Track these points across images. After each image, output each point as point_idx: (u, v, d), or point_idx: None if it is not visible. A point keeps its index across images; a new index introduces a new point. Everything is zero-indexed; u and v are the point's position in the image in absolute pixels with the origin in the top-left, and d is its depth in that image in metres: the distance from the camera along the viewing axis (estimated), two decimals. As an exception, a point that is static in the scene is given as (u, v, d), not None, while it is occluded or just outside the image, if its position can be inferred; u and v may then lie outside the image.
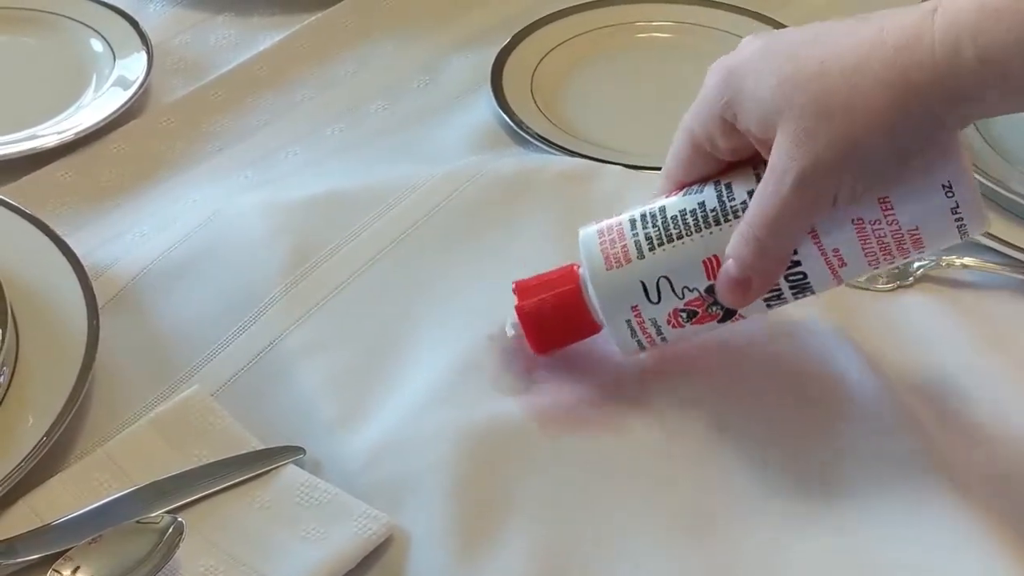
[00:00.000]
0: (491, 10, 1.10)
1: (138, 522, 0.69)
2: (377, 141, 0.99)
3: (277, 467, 0.73)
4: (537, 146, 0.96)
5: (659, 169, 0.90)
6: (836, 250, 0.70)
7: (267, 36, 1.09)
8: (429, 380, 0.78)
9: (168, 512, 0.70)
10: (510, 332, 0.77)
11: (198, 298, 0.84)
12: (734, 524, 0.71)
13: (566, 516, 0.71)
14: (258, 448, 0.74)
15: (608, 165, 0.92)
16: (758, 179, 0.70)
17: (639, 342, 0.74)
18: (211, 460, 0.74)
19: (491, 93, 1.00)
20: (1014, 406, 0.77)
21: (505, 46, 1.04)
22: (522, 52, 1.04)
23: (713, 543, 0.70)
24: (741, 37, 1.02)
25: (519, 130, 0.97)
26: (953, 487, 0.70)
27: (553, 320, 0.76)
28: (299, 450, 0.74)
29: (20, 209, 0.87)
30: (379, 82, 1.04)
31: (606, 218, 0.75)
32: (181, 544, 0.68)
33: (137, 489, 0.72)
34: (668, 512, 0.71)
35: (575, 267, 0.76)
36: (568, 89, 1.02)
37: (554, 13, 1.07)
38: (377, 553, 0.70)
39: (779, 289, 0.72)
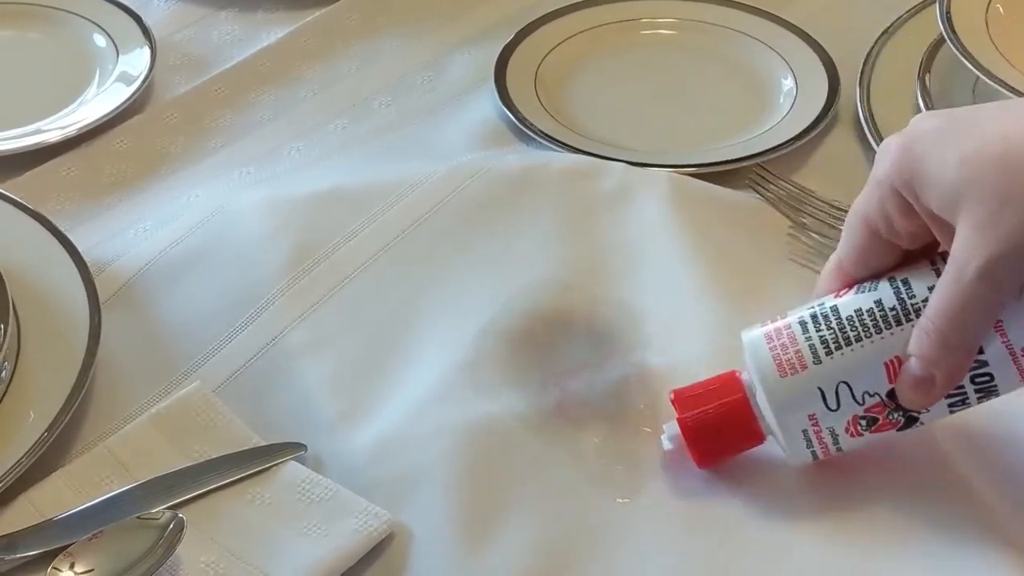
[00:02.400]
0: (495, 6, 1.10)
1: (139, 518, 0.69)
2: (380, 137, 0.99)
3: (278, 464, 0.73)
4: (540, 143, 0.96)
5: (664, 167, 0.91)
6: None
7: (270, 32, 1.09)
8: (431, 377, 0.78)
9: (169, 508, 0.70)
10: (667, 446, 0.72)
11: (200, 294, 0.84)
12: (738, 522, 0.70)
13: (567, 513, 0.71)
14: (259, 445, 0.74)
15: (612, 162, 0.92)
16: (937, 273, 0.66)
17: (813, 452, 0.69)
18: (212, 456, 0.74)
19: (495, 89, 1.00)
20: None
21: (509, 42, 1.04)
22: (526, 48, 1.03)
23: (716, 539, 0.70)
24: (746, 34, 1.04)
25: (522, 127, 0.97)
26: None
27: (717, 432, 0.71)
28: (300, 447, 0.74)
29: (23, 204, 0.87)
30: (382, 78, 1.04)
31: (768, 320, 0.70)
32: (182, 540, 0.68)
33: (138, 485, 0.72)
34: (670, 508, 0.71)
35: (737, 374, 0.71)
36: (572, 86, 1.02)
37: (558, 10, 1.06)
38: (378, 550, 0.70)
39: (963, 390, 0.67)
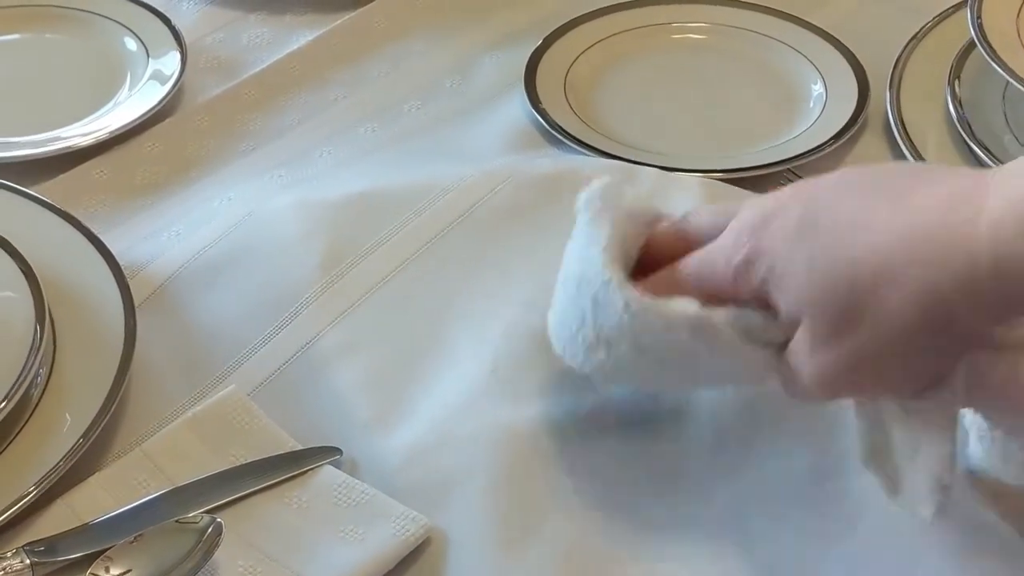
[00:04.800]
0: (524, 10, 1.10)
1: (177, 522, 0.69)
2: (410, 141, 0.99)
3: (314, 467, 0.73)
4: (571, 147, 0.96)
5: (694, 171, 0.91)
6: None
7: (300, 35, 1.09)
8: (465, 381, 0.78)
9: (206, 512, 0.71)
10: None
11: (234, 298, 0.85)
12: (771, 525, 0.70)
13: (603, 516, 0.71)
14: (295, 448, 0.75)
15: (643, 167, 0.92)
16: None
17: None
18: (248, 460, 0.74)
19: (524, 93, 1.00)
20: None
21: (539, 46, 1.04)
22: (556, 52, 1.03)
23: (753, 543, 0.70)
24: (776, 39, 1.04)
25: (552, 131, 0.97)
26: None
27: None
28: (336, 451, 0.74)
29: (56, 208, 0.88)
30: (412, 82, 1.04)
31: None
32: (220, 544, 0.68)
33: (175, 489, 0.72)
34: (706, 513, 0.71)
35: None
36: (602, 90, 1.02)
37: (588, 13, 1.07)
38: (415, 555, 0.70)
39: None
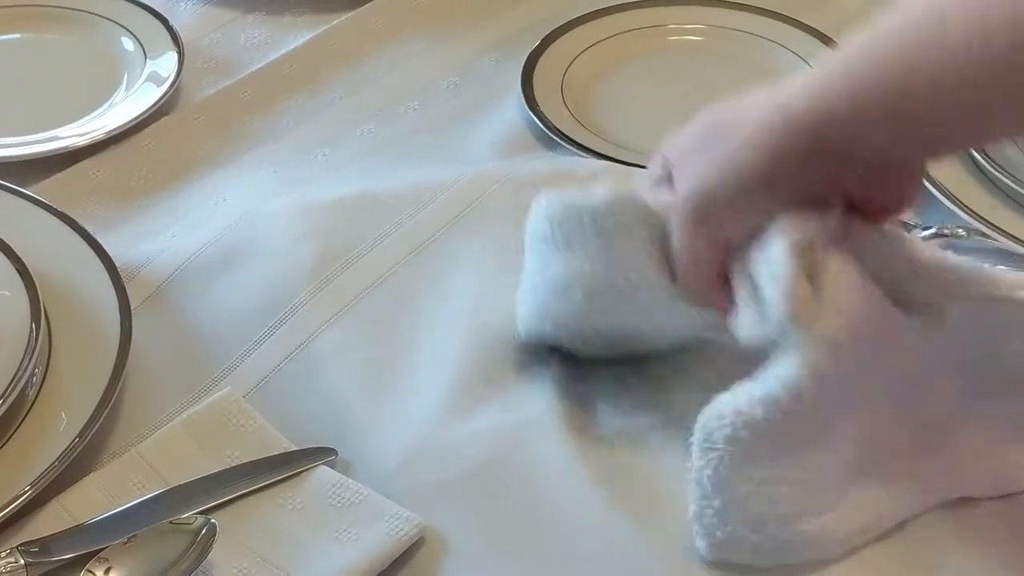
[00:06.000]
0: (522, 12, 1.10)
1: (171, 523, 0.70)
2: (407, 142, 0.99)
3: (309, 468, 0.74)
4: (567, 149, 0.96)
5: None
6: None
7: (297, 36, 1.09)
8: (458, 385, 0.78)
9: (201, 513, 0.71)
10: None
11: (229, 299, 0.85)
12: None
13: (596, 519, 0.71)
14: (290, 449, 0.75)
15: (639, 169, 0.92)
16: None
17: None
18: (243, 461, 0.74)
19: (521, 95, 1.00)
20: None
21: (536, 48, 1.04)
22: (552, 54, 1.04)
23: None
24: (773, 41, 1.04)
25: (549, 133, 0.97)
26: None
27: None
28: (331, 451, 0.75)
29: (53, 208, 0.88)
30: (409, 83, 1.04)
31: None
32: (214, 545, 0.68)
33: (170, 490, 0.72)
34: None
35: None
36: (599, 92, 1.02)
37: (585, 15, 1.07)
38: (408, 554, 0.70)
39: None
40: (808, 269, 0.67)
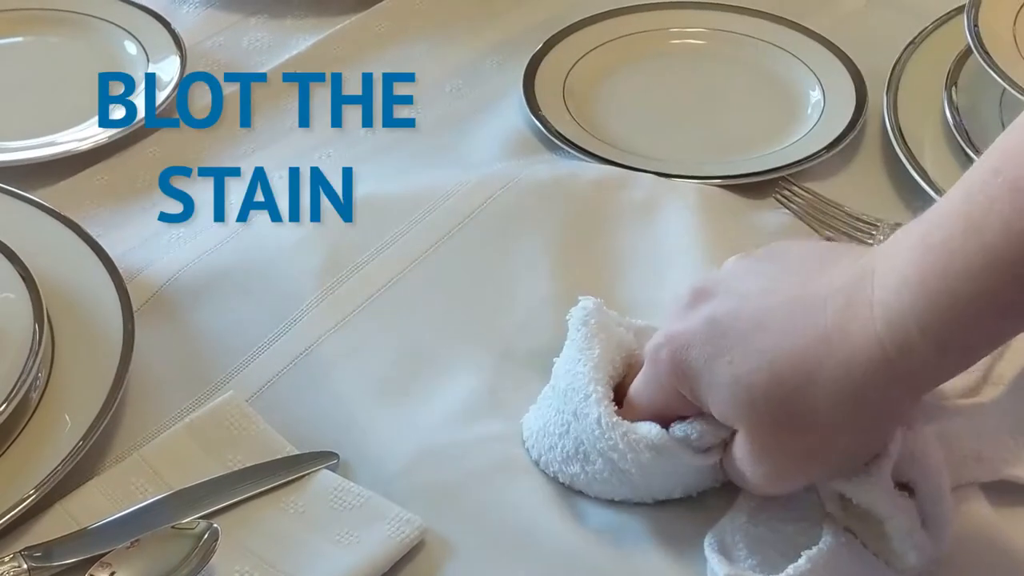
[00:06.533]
0: (524, 15, 1.10)
1: (174, 527, 0.70)
2: (409, 145, 0.99)
3: (311, 472, 0.74)
4: (569, 152, 0.96)
5: (691, 178, 0.91)
6: None
7: (300, 39, 1.09)
8: (463, 395, 0.78)
9: (203, 517, 0.71)
10: None
11: (233, 303, 0.85)
12: None
13: (596, 526, 0.72)
14: (292, 454, 0.75)
15: (641, 173, 0.92)
16: None
17: None
18: (246, 465, 0.74)
19: (523, 98, 1.00)
20: None
21: (538, 51, 1.04)
22: (555, 57, 1.04)
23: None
24: (775, 45, 1.04)
25: (551, 136, 0.97)
26: None
27: None
28: (333, 456, 0.75)
29: (55, 212, 0.88)
30: (412, 86, 1.04)
31: None
32: (217, 550, 0.68)
33: (173, 494, 0.73)
34: (693, 518, 0.72)
35: None
36: (601, 95, 1.02)
37: (587, 19, 1.07)
38: (409, 557, 0.71)
39: None
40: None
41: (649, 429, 0.70)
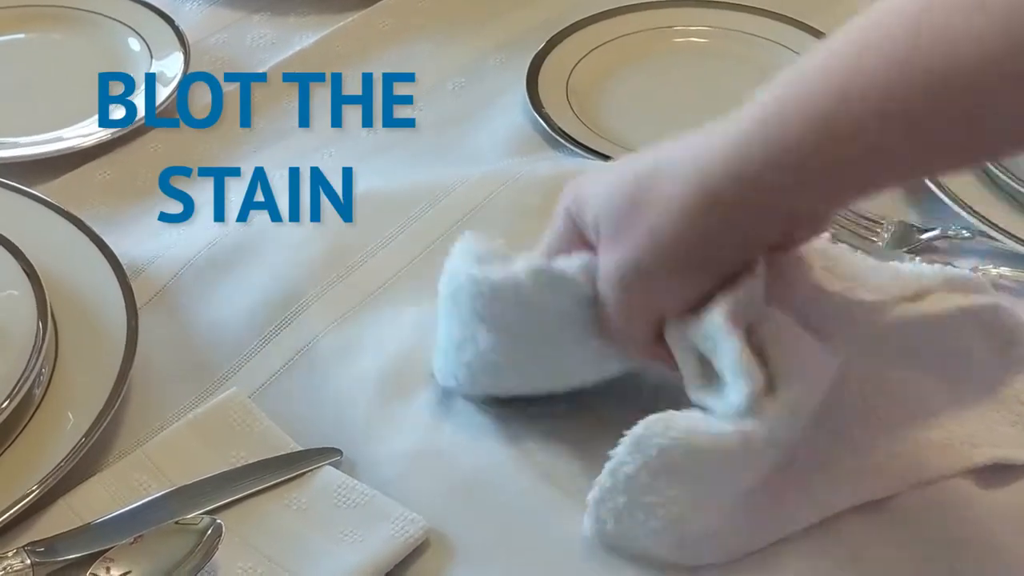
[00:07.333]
0: (528, 13, 1.10)
1: (177, 523, 0.70)
2: (412, 142, 0.99)
3: (314, 469, 0.74)
4: (572, 150, 0.96)
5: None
6: None
7: (303, 36, 1.09)
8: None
9: (206, 513, 0.71)
10: None
11: (236, 299, 0.85)
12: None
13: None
14: (295, 450, 0.75)
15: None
16: None
17: None
18: (249, 462, 0.74)
19: (526, 96, 1.00)
20: None
21: (541, 49, 1.04)
22: (558, 55, 1.04)
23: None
24: (778, 43, 1.04)
25: (554, 134, 0.97)
26: None
27: None
28: (336, 452, 0.75)
29: (59, 208, 0.88)
30: (415, 84, 1.04)
31: None
32: (220, 546, 0.68)
33: (176, 490, 0.73)
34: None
35: None
36: (604, 93, 1.02)
37: (591, 17, 1.07)
38: (413, 556, 0.70)
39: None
40: (755, 343, 0.67)
41: (520, 261, 0.72)
